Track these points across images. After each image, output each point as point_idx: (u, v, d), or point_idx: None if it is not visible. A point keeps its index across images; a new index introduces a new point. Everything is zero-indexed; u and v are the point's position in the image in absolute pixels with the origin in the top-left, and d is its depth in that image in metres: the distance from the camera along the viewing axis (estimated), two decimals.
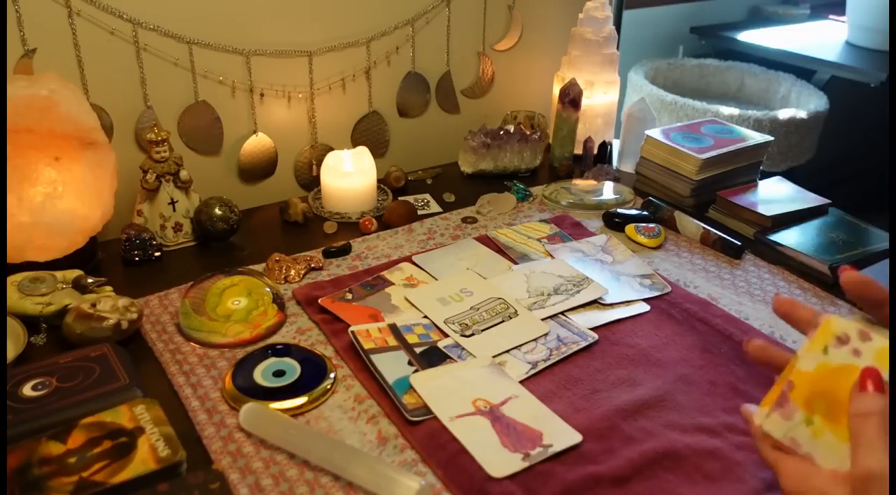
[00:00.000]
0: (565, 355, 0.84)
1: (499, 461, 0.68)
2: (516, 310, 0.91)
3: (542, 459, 0.69)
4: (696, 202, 1.20)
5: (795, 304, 0.57)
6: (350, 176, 1.16)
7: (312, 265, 1.01)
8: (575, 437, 0.71)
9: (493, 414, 0.74)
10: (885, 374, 0.48)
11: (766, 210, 1.11)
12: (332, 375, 0.80)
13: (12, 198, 0.92)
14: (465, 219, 1.16)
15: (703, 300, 0.96)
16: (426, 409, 0.75)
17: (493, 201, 1.21)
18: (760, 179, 1.24)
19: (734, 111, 1.82)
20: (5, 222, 0.90)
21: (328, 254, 1.05)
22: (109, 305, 0.85)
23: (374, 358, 0.81)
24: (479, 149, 1.29)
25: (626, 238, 1.11)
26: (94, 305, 0.85)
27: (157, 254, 1.03)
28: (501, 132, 1.30)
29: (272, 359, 0.82)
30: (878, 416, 0.46)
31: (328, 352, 0.85)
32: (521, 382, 0.79)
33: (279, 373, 0.79)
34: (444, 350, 0.84)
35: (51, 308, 0.86)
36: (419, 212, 1.18)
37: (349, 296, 0.94)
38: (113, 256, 1.04)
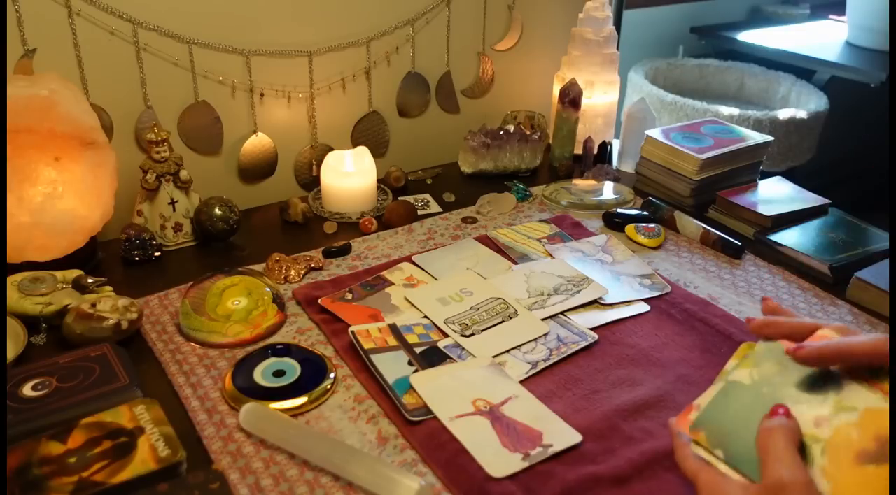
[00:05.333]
0: (565, 355, 0.84)
1: (499, 461, 0.68)
2: (516, 310, 0.91)
3: (542, 459, 0.69)
4: (696, 202, 1.20)
5: (773, 322, 0.56)
6: (350, 176, 1.16)
7: (312, 265, 1.01)
8: (575, 437, 0.71)
9: (493, 414, 0.74)
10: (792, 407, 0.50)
11: (766, 210, 1.11)
12: (332, 375, 0.80)
13: (12, 198, 0.92)
14: (465, 219, 1.16)
15: (703, 300, 0.96)
16: (426, 409, 0.75)
17: (493, 201, 1.21)
18: (760, 179, 1.24)
19: (734, 111, 1.82)
20: (5, 222, 0.90)
21: (328, 254, 1.05)
22: (109, 305, 0.85)
23: (374, 358, 0.81)
24: (479, 149, 1.29)
25: (626, 238, 1.11)
26: (94, 305, 0.84)
27: (157, 254, 1.03)
28: (501, 132, 1.30)
29: (272, 359, 0.82)
30: (784, 430, 0.48)
31: (328, 352, 0.85)
32: (521, 382, 0.79)
33: (279, 373, 0.79)
34: (444, 350, 0.84)
35: (51, 308, 0.86)
36: (419, 212, 1.18)
37: (349, 296, 0.94)
38: (113, 256, 1.04)
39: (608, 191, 1.25)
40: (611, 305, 0.94)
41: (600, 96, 1.37)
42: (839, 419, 0.49)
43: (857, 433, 0.47)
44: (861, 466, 0.47)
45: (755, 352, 0.54)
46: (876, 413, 0.48)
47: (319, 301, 0.92)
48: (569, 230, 1.12)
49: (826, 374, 0.51)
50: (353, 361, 0.83)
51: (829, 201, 1.15)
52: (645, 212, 1.16)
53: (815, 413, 0.50)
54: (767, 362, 0.53)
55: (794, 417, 0.49)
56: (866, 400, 0.49)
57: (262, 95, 1.19)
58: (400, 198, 1.20)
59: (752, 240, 1.10)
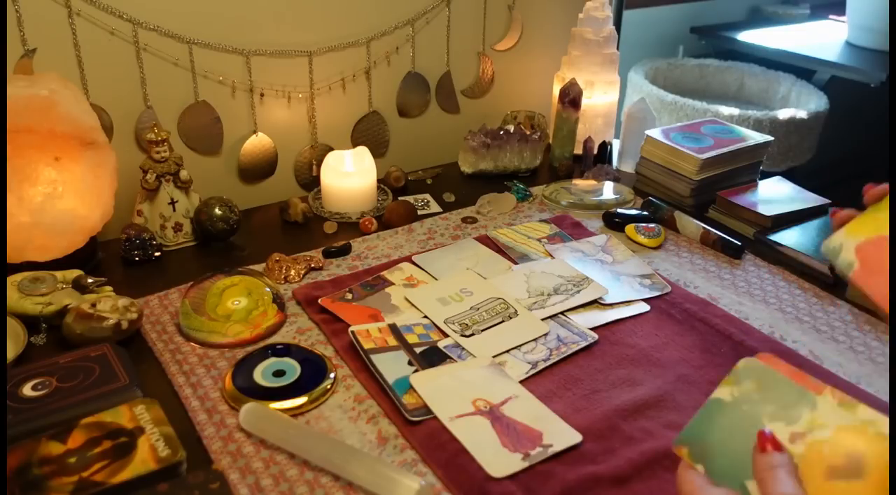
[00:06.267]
0: (565, 355, 0.84)
1: (499, 461, 0.68)
2: (516, 310, 0.91)
3: (542, 459, 0.69)
4: (696, 202, 1.20)
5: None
6: (350, 176, 1.16)
7: (312, 265, 1.01)
8: (575, 437, 0.71)
9: (493, 415, 0.74)
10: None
11: (766, 210, 1.11)
12: (332, 375, 0.80)
13: (12, 198, 0.92)
14: (465, 219, 1.16)
15: (703, 300, 0.96)
16: (426, 409, 0.75)
17: (493, 201, 1.21)
18: (760, 179, 1.24)
19: (734, 111, 1.82)
20: (5, 222, 0.90)
21: (328, 254, 1.05)
22: (109, 305, 0.85)
23: (374, 358, 0.81)
24: (479, 149, 1.29)
25: (626, 238, 1.11)
26: (94, 305, 0.85)
27: (157, 254, 1.03)
28: (501, 132, 1.30)
29: (272, 359, 0.82)
30: (785, 467, 0.48)
31: (328, 351, 0.85)
32: (521, 382, 0.79)
33: (279, 373, 0.79)
34: (444, 350, 0.84)
35: (51, 308, 0.86)
36: (419, 212, 1.18)
37: (349, 296, 0.94)
38: (113, 256, 1.04)
39: (608, 191, 1.25)
40: (611, 305, 0.94)
41: (600, 96, 1.37)
42: (813, 436, 0.50)
43: (829, 449, 0.49)
44: (830, 482, 0.48)
45: (736, 369, 0.55)
46: (848, 431, 0.49)
47: (319, 301, 0.92)
48: (569, 230, 1.12)
49: (801, 394, 0.52)
50: (353, 361, 0.83)
51: (829, 201, 1.15)
52: (645, 212, 1.16)
53: (790, 429, 0.51)
54: (747, 380, 0.54)
55: (784, 449, 0.50)
56: (840, 418, 0.50)
57: (262, 95, 1.19)
58: (400, 198, 1.20)
59: (752, 240, 1.10)
